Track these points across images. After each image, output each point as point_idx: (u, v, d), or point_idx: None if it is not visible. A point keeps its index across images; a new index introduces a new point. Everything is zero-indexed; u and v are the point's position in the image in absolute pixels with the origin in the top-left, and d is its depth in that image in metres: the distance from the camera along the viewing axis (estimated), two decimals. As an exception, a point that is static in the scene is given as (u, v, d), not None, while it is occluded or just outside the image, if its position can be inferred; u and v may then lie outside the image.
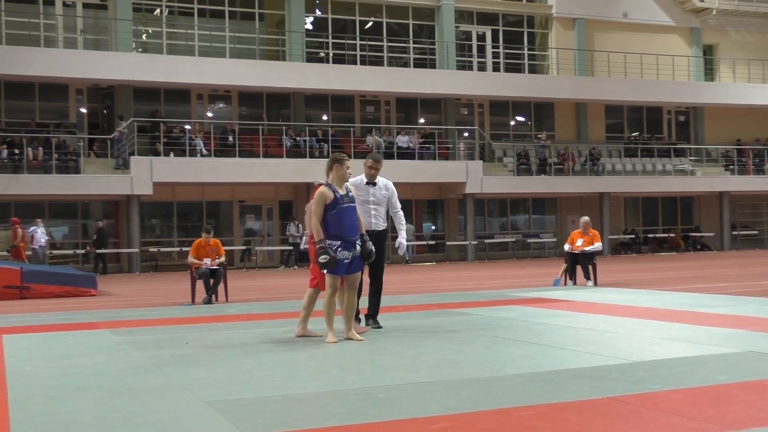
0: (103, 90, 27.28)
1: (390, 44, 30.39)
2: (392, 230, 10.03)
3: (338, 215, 7.54)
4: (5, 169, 23.54)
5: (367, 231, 8.12)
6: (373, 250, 7.88)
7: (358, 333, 7.86)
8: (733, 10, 35.26)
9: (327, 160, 7.96)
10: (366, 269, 8.18)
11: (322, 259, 7.41)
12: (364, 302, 8.65)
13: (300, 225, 26.35)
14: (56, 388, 5.62)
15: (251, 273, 24.14)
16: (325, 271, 7.55)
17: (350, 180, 8.24)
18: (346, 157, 7.87)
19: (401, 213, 8.75)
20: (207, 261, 12.86)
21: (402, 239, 8.65)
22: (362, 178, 8.58)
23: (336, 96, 29.58)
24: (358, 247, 7.64)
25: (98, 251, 24.41)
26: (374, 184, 8.55)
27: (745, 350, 6.54)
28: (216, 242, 13.24)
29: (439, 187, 29.95)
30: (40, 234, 22.70)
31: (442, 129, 30.33)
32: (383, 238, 8.67)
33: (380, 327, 8.49)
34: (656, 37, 34.16)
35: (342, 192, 7.62)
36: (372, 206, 8.49)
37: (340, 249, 7.49)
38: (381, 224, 8.57)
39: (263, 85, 27.29)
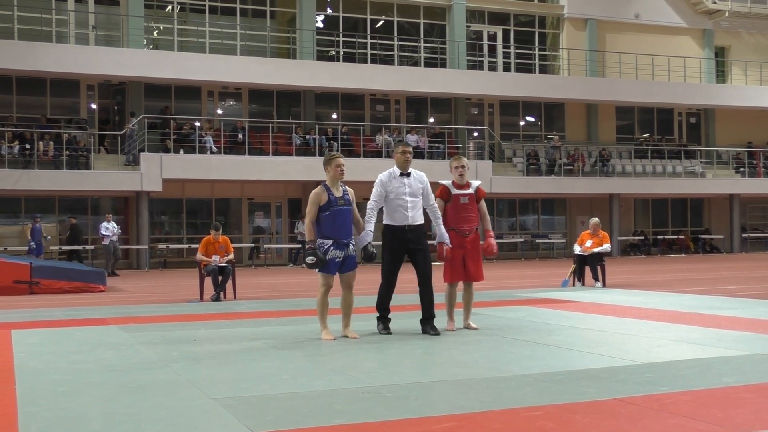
0: (114, 86, 27.37)
1: (401, 43, 30.38)
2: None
3: (331, 217, 7.59)
4: (16, 164, 23.62)
5: (405, 226, 7.88)
6: (375, 252, 7.80)
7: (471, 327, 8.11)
8: (746, 12, 35.12)
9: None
10: (402, 267, 8.00)
11: (309, 260, 7.45)
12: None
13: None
14: (64, 384, 5.64)
15: (259, 271, 24.18)
16: (317, 271, 7.58)
17: (382, 174, 8.01)
18: (337, 155, 7.79)
19: (436, 205, 8.18)
20: (216, 258, 12.90)
21: (443, 231, 8.07)
22: (394, 169, 8.04)
23: (346, 94, 29.59)
24: (351, 247, 7.69)
25: (72, 248, 23.63)
26: (408, 174, 8.01)
27: (753, 353, 6.53)
28: (225, 239, 13.28)
29: (449, 187, 29.86)
30: (111, 228, 22.26)
31: (451, 128, 30.30)
32: (423, 232, 8.08)
33: (438, 333, 7.89)
34: (668, 39, 34.05)
35: (337, 194, 7.63)
36: (409, 198, 7.93)
37: (332, 248, 7.56)
38: (419, 218, 8.00)
39: (274, 83, 27.32)
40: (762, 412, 4.50)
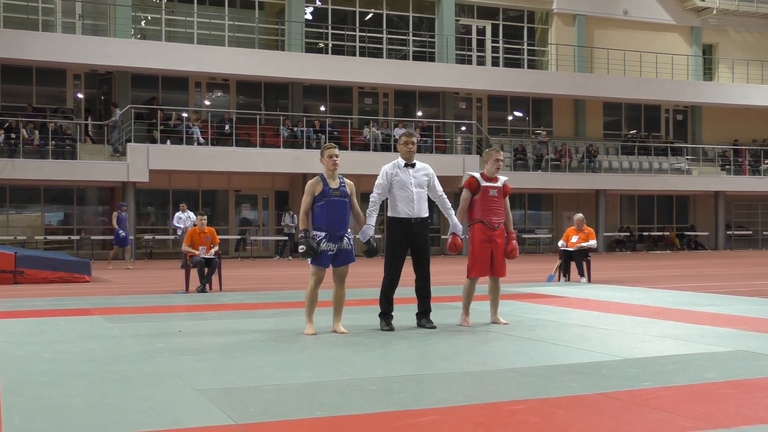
0: (101, 76, 27.21)
1: (390, 36, 30.35)
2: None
3: (325, 207, 7.46)
4: (1, 154, 23.46)
5: (411, 218, 7.75)
6: (377, 246, 7.76)
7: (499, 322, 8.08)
8: (734, 10, 35.27)
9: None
10: (409, 261, 7.91)
11: (300, 249, 7.37)
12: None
13: (295, 215, 26.31)
14: (48, 374, 5.62)
15: (245, 262, 24.13)
16: (309, 262, 7.54)
17: (386, 166, 7.89)
18: (330, 146, 7.65)
19: (445, 195, 8.05)
20: (202, 249, 12.86)
21: (456, 221, 8.00)
22: (399, 161, 7.91)
23: (334, 87, 29.54)
24: (346, 240, 7.56)
25: None
26: (413, 165, 7.87)
27: (736, 349, 6.57)
28: (211, 230, 13.25)
29: (436, 181, 29.87)
30: (185, 218, 20.80)
31: (439, 122, 30.31)
32: (427, 226, 7.96)
33: (434, 327, 7.87)
34: (656, 36, 34.16)
35: (333, 185, 7.53)
36: (414, 189, 7.78)
37: (324, 241, 7.43)
38: (424, 210, 7.87)
39: (262, 75, 27.24)
40: (743, 408, 4.53)
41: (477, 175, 8.25)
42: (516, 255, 8.38)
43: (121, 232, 19.91)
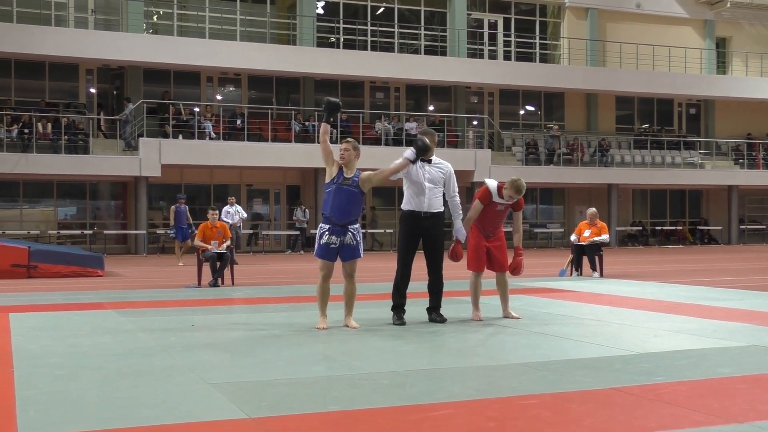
0: (113, 71, 27.28)
1: (401, 30, 30.29)
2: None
3: (332, 193, 7.46)
4: (14, 148, 23.58)
5: (421, 212, 7.80)
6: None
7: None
8: (748, 3, 34.98)
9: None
10: (420, 255, 7.95)
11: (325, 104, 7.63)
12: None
13: (307, 210, 26.33)
14: (62, 367, 5.65)
15: (257, 257, 24.18)
16: (315, 256, 7.53)
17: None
18: (346, 140, 7.74)
19: (458, 199, 8.04)
20: (214, 244, 12.89)
21: (459, 226, 8.01)
22: None
23: (346, 81, 29.52)
24: (350, 235, 7.52)
25: None
26: (429, 161, 7.92)
27: (749, 344, 6.55)
28: (223, 225, 13.28)
29: (447, 175, 29.81)
30: (233, 212, 20.06)
31: (451, 117, 30.26)
32: (440, 221, 7.98)
33: (444, 321, 7.95)
34: (669, 29, 33.96)
35: (347, 174, 7.53)
36: (427, 184, 7.83)
37: (327, 234, 7.44)
38: (437, 205, 7.90)
39: (273, 69, 27.25)
40: (757, 403, 4.52)
41: (494, 190, 8.14)
42: (519, 272, 8.37)
43: (183, 226, 19.59)
